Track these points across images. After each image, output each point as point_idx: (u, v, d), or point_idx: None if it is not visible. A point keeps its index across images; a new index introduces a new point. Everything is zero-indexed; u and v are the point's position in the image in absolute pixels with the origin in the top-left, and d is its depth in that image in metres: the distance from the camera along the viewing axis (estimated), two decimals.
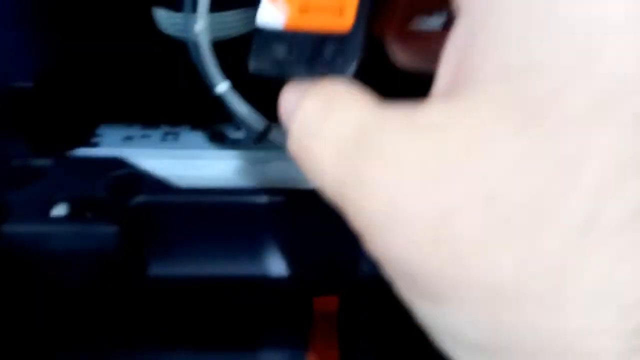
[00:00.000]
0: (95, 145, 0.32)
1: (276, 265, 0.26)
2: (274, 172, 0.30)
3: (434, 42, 0.18)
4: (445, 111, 0.11)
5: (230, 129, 0.34)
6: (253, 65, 0.16)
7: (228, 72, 0.28)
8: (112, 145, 0.32)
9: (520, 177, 0.09)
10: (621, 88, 0.09)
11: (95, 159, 0.24)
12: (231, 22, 0.33)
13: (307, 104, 0.13)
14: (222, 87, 0.28)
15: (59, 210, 0.21)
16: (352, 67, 0.15)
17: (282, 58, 0.15)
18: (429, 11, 0.19)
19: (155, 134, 0.33)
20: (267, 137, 0.29)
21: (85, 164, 0.23)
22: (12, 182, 0.22)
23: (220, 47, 0.28)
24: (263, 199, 0.25)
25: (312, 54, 0.15)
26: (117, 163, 0.23)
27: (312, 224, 0.25)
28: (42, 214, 0.21)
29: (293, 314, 0.26)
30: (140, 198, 0.22)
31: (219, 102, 0.29)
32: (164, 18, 0.33)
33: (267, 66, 0.15)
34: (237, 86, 0.28)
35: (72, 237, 0.21)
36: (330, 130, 0.12)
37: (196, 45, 0.27)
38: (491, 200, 0.09)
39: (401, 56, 0.18)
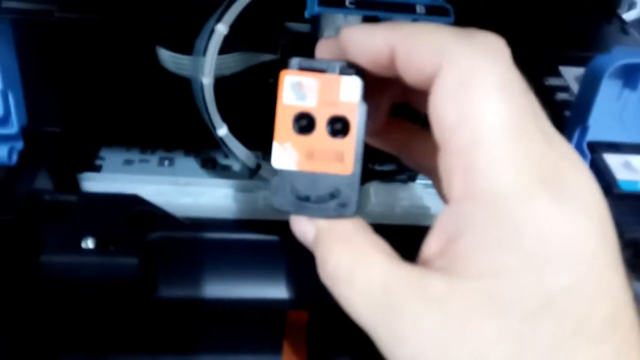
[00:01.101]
0: (98, 169, 0.35)
1: (260, 287, 0.30)
2: (260, 201, 0.35)
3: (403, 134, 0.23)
4: (447, 288, 0.15)
5: (221, 156, 0.39)
6: (276, 202, 0.19)
7: (223, 106, 0.33)
8: (113, 169, 0.35)
9: (498, 347, 0.15)
10: (557, 295, 0.15)
11: (114, 196, 0.28)
12: (227, 63, 0.37)
13: (339, 252, 0.18)
14: (222, 131, 0.33)
15: (87, 243, 0.25)
16: (356, 205, 0.18)
17: (299, 195, 0.18)
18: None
19: (153, 158, 0.37)
20: (259, 172, 0.34)
21: (106, 201, 0.27)
22: (46, 217, 0.26)
23: (217, 84, 0.32)
24: (252, 233, 0.30)
25: (323, 192, 0.18)
26: (134, 200, 0.27)
27: (293, 252, 0.30)
28: (73, 246, 0.25)
29: (269, 325, 0.31)
30: (156, 234, 0.27)
31: (211, 133, 0.33)
32: (167, 57, 0.36)
33: (287, 205, 0.18)
34: (229, 118, 0.32)
35: (99, 267, 0.25)
36: (361, 284, 0.17)
37: (202, 95, 0.31)
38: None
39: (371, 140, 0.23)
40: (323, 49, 0.20)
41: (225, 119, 0.32)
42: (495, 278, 0.15)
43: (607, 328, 0.15)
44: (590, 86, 0.29)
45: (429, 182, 0.38)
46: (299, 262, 0.30)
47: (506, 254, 0.15)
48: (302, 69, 0.18)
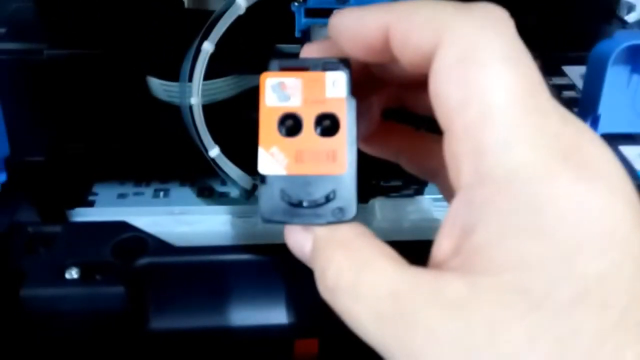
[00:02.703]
0: (92, 204, 0.34)
1: (263, 313, 0.28)
2: (259, 225, 0.33)
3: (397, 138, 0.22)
4: (466, 290, 0.13)
5: (217, 184, 0.37)
6: (266, 211, 0.17)
7: (215, 131, 0.32)
8: (107, 204, 0.34)
9: (533, 350, 0.13)
10: (593, 283, 0.13)
11: (101, 223, 0.26)
12: (218, 88, 0.36)
13: (340, 260, 0.16)
14: (214, 152, 0.32)
15: (71, 273, 0.24)
16: (355, 208, 0.17)
17: (291, 202, 0.17)
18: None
19: (147, 190, 0.36)
20: (255, 193, 0.32)
21: (92, 229, 0.26)
22: (28, 248, 0.25)
23: (209, 110, 0.32)
24: (249, 255, 0.28)
25: (317, 196, 0.16)
26: (120, 227, 0.26)
27: (295, 273, 0.28)
28: (56, 277, 0.23)
29: (275, 357, 0.29)
30: (143, 260, 0.25)
31: (206, 160, 0.32)
32: (157, 85, 0.36)
33: (279, 214, 0.17)
34: (222, 142, 0.31)
35: (84, 298, 0.23)
36: (367, 293, 0.15)
37: (191, 116, 0.31)
38: None
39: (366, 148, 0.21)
40: (306, 52, 0.19)
41: (220, 145, 0.31)
42: (521, 271, 0.13)
43: None
44: (595, 74, 0.27)
45: (438, 195, 0.36)
46: (305, 284, 0.28)
47: (531, 242, 0.13)
48: (283, 69, 0.17)
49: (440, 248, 0.15)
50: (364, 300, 0.15)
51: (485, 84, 0.14)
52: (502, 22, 0.15)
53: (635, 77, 0.28)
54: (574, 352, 0.12)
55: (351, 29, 0.17)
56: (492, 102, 0.14)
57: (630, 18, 0.56)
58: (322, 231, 0.17)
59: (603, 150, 0.14)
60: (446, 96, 0.15)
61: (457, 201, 0.15)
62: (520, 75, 0.14)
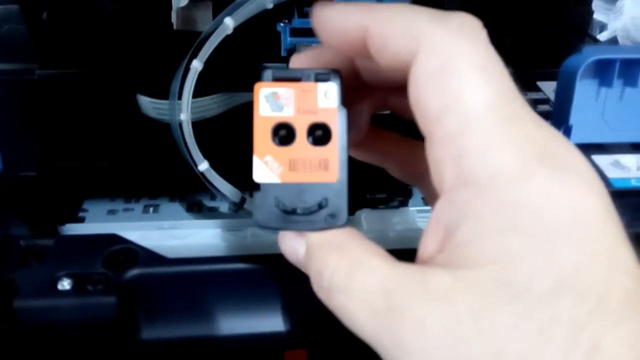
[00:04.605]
0: (82, 220, 0.35)
1: (252, 324, 0.29)
2: (249, 238, 0.34)
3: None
4: (450, 281, 0.14)
5: (206, 199, 0.38)
6: (260, 220, 0.17)
7: (203, 147, 0.33)
8: (97, 219, 0.35)
9: (516, 337, 0.13)
10: (570, 274, 0.14)
11: (92, 236, 0.27)
12: (207, 105, 0.37)
13: (334, 262, 0.16)
14: (203, 166, 0.32)
15: (63, 285, 0.24)
16: (346, 214, 0.17)
17: (285, 209, 0.17)
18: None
19: (137, 206, 0.37)
20: (243, 206, 0.33)
21: (84, 241, 0.26)
22: (20, 261, 0.25)
23: (198, 127, 0.33)
24: (238, 265, 0.29)
25: (310, 203, 0.17)
26: (111, 240, 0.27)
27: (284, 284, 0.29)
28: (48, 289, 0.24)
29: None
30: (134, 271, 0.25)
31: (196, 175, 0.33)
32: (146, 103, 0.37)
33: (273, 221, 0.17)
34: (210, 158, 0.32)
35: (76, 309, 0.23)
36: (359, 290, 0.15)
37: (181, 131, 0.31)
38: (498, 356, 0.13)
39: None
40: (295, 63, 0.19)
41: (208, 160, 0.32)
42: (501, 264, 0.14)
43: (629, 304, 0.14)
44: (566, 87, 0.29)
45: (422, 207, 0.37)
46: (295, 294, 0.28)
47: (509, 238, 0.14)
48: (277, 79, 0.18)
49: (426, 247, 0.16)
50: (357, 297, 0.15)
51: (463, 93, 0.15)
52: (476, 31, 0.16)
53: (603, 89, 0.30)
54: (555, 339, 0.13)
55: (332, 24, 0.17)
56: (470, 110, 0.15)
57: (602, 37, 0.58)
58: (315, 236, 0.17)
59: (574, 151, 0.15)
60: (425, 104, 0.15)
61: (440, 203, 0.16)
62: (496, 83, 0.15)
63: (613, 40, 0.56)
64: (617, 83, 0.29)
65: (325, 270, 0.16)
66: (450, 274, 0.14)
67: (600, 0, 0.59)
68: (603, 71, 0.29)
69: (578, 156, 0.15)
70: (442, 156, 0.15)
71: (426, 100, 0.15)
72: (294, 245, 0.18)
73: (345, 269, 0.16)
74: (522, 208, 0.14)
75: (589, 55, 0.28)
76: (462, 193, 0.15)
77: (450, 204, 0.15)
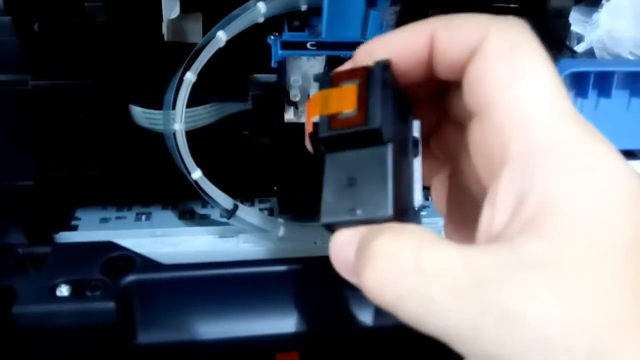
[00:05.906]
0: (75, 228, 0.35)
1: (245, 327, 0.30)
2: (241, 245, 0.35)
3: None
4: (546, 246, 0.14)
5: (199, 206, 0.39)
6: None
7: (196, 155, 0.33)
8: (90, 227, 0.35)
9: (620, 299, 0.13)
10: None
11: (89, 244, 0.27)
12: (199, 115, 0.38)
13: (395, 247, 0.15)
14: (197, 174, 0.33)
15: (62, 291, 0.25)
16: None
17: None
18: None
19: (130, 214, 0.37)
20: (235, 213, 0.34)
21: (81, 249, 0.27)
22: (18, 268, 0.26)
23: (189, 136, 0.33)
24: (233, 271, 0.29)
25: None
26: (108, 246, 0.27)
27: (278, 288, 0.30)
28: (47, 295, 0.24)
29: None
30: (131, 277, 0.26)
31: (187, 183, 0.34)
32: (139, 113, 0.37)
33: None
34: (202, 165, 0.33)
35: (75, 314, 0.24)
36: (437, 270, 0.14)
37: (175, 141, 0.32)
38: (610, 314, 0.13)
39: None
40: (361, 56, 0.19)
41: (201, 168, 0.33)
42: (586, 223, 0.14)
43: None
44: None
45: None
46: (288, 298, 0.29)
47: (593, 197, 0.14)
48: None
49: (492, 221, 0.15)
50: (435, 278, 0.14)
51: (534, 66, 0.16)
52: (531, 32, 0.17)
53: (579, 100, 0.31)
54: None
55: (397, 44, 0.18)
56: (541, 82, 0.16)
57: (580, 48, 0.60)
58: (366, 230, 0.16)
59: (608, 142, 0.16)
60: (492, 74, 0.16)
61: (508, 170, 0.15)
62: (555, 72, 0.16)
63: (590, 52, 0.58)
64: (592, 94, 0.31)
65: (384, 258, 0.15)
66: (540, 240, 0.14)
67: (578, 13, 0.61)
68: (579, 83, 0.31)
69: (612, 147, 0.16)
70: (508, 122, 0.16)
71: (493, 71, 0.16)
72: (347, 241, 0.16)
73: (412, 251, 0.14)
74: (600, 169, 0.15)
75: (565, 68, 0.29)
76: (538, 157, 0.15)
77: (521, 170, 0.15)
